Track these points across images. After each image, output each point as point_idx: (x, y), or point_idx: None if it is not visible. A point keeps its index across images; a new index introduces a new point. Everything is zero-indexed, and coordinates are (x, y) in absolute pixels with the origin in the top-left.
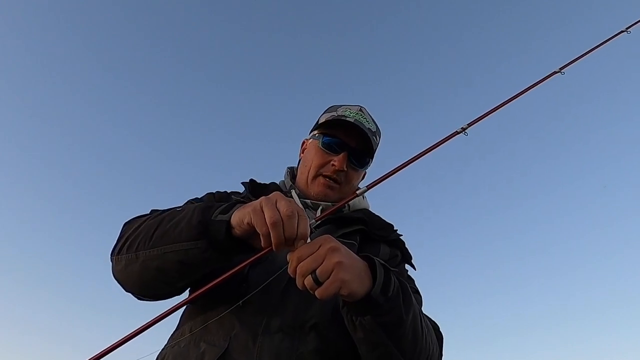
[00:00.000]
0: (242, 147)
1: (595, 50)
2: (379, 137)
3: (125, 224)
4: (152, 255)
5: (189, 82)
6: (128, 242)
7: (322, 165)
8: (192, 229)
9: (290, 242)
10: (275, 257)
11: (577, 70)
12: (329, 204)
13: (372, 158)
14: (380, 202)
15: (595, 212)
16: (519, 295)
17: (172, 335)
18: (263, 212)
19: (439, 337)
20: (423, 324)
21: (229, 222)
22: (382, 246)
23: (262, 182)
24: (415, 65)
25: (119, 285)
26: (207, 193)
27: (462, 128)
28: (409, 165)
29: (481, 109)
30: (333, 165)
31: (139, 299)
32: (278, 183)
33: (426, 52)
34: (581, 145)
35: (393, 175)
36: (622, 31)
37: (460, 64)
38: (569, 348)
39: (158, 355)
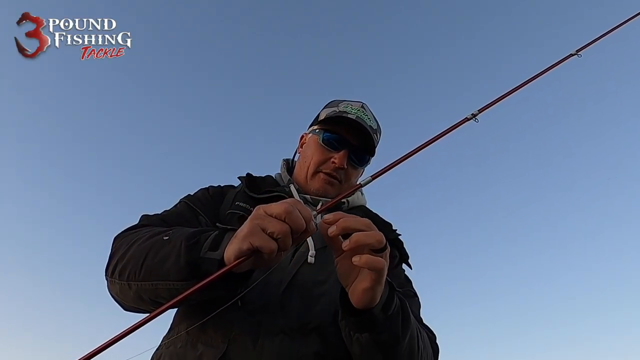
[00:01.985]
0: (237, 142)
1: (614, 31)
2: (380, 135)
3: (115, 239)
4: (144, 288)
5: (187, 78)
6: (119, 267)
7: (322, 162)
8: (181, 270)
9: (300, 233)
10: None
11: (595, 52)
12: (329, 199)
13: (372, 156)
14: (384, 192)
15: (606, 209)
16: (522, 295)
17: (166, 334)
18: (262, 229)
19: (435, 350)
20: (420, 342)
21: (221, 259)
22: None
23: (259, 176)
24: (425, 49)
25: (115, 303)
26: (201, 189)
27: (472, 114)
28: (416, 154)
29: (492, 94)
30: (333, 162)
31: None
32: (274, 176)
33: (436, 36)
34: (598, 135)
35: (400, 164)
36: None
37: (469, 50)
38: (572, 348)
39: (153, 355)
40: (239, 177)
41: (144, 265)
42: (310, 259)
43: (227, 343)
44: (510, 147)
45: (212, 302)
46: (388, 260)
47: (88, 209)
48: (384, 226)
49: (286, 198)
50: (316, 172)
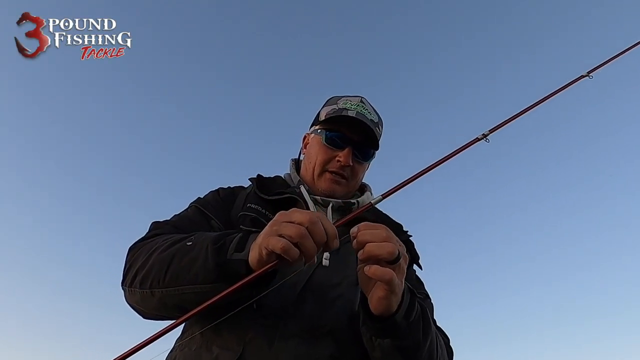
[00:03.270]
0: (238, 142)
1: (625, 53)
2: (382, 127)
3: (131, 249)
4: (169, 294)
5: (186, 78)
6: (140, 276)
7: (327, 161)
8: (210, 273)
9: (321, 247)
10: None
11: (606, 74)
12: (339, 200)
13: (377, 149)
14: (395, 207)
15: (613, 215)
16: (523, 296)
17: (180, 336)
18: (283, 235)
19: (450, 353)
20: (438, 347)
21: (247, 260)
22: None
23: (268, 177)
24: (436, 68)
25: (134, 312)
26: (211, 192)
27: (483, 134)
28: (427, 173)
29: (503, 115)
30: (338, 161)
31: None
32: (284, 176)
33: (448, 55)
34: (609, 153)
35: (411, 183)
36: None
37: (482, 68)
38: (573, 349)
39: (167, 357)
40: (249, 179)
41: (168, 271)
42: (325, 262)
43: (242, 346)
44: (521, 167)
45: (226, 304)
46: (404, 270)
47: (88, 209)
48: (395, 227)
49: (297, 199)
50: (322, 172)
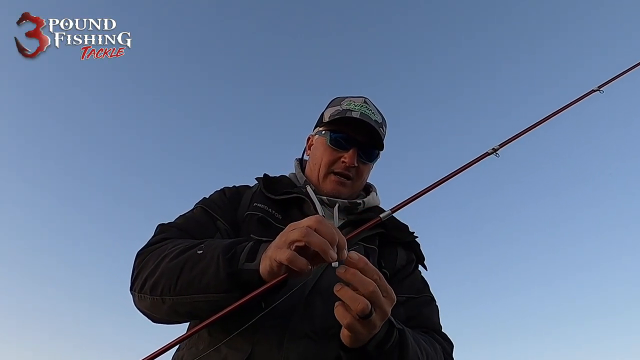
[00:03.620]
0: (237, 142)
1: (636, 68)
2: (386, 127)
3: (139, 255)
4: (180, 302)
5: (186, 78)
6: (150, 283)
7: (333, 163)
8: (222, 283)
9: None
10: None
11: (617, 89)
12: (345, 201)
13: (381, 149)
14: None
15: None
16: (525, 297)
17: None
18: (290, 241)
19: None
20: None
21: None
22: (399, 250)
23: (275, 176)
24: (446, 81)
25: (143, 316)
26: (217, 192)
27: (493, 149)
28: (436, 188)
29: (513, 129)
30: (343, 162)
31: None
32: (289, 176)
33: (458, 69)
34: (622, 169)
35: (419, 198)
36: None
37: (493, 83)
38: (576, 349)
39: (173, 357)
40: (256, 178)
41: (179, 280)
42: (334, 264)
43: (251, 346)
44: (530, 182)
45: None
46: (375, 325)
47: (88, 209)
48: (401, 229)
49: (304, 199)
50: (328, 173)
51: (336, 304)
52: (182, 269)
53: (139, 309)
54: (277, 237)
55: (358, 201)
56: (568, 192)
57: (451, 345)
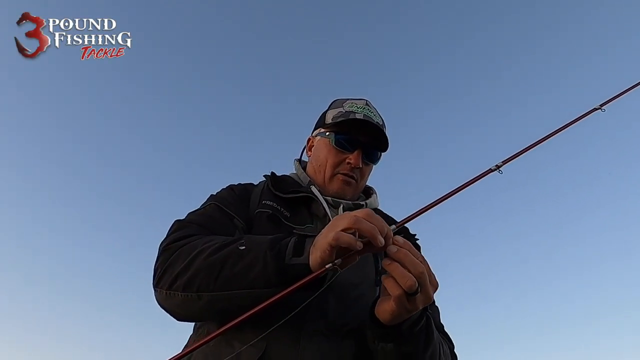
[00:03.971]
0: (237, 143)
1: (638, 87)
2: (386, 130)
3: (165, 250)
4: (219, 298)
5: (186, 78)
6: (182, 280)
7: (338, 164)
8: (270, 278)
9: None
10: None
11: (618, 107)
12: (349, 202)
13: (385, 150)
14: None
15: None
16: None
17: (194, 332)
18: (341, 228)
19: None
20: (442, 354)
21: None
22: None
23: (279, 175)
24: (449, 99)
25: (166, 313)
26: (225, 189)
27: (496, 165)
28: (440, 204)
29: (516, 146)
30: (349, 163)
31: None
32: (290, 175)
33: (460, 87)
34: (625, 187)
35: (423, 214)
36: None
37: (495, 99)
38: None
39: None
40: (264, 175)
41: (220, 276)
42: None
43: (266, 342)
44: (533, 198)
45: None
46: (416, 307)
47: (88, 209)
48: (403, 231)
49: (312, 198)
50: (333, 174)
51: (384, 277)
52: (223, 265)
53: (163, 306)
54: (325, 229)
55: (361, 202)
56: (569, 207)
57: (452, 345)
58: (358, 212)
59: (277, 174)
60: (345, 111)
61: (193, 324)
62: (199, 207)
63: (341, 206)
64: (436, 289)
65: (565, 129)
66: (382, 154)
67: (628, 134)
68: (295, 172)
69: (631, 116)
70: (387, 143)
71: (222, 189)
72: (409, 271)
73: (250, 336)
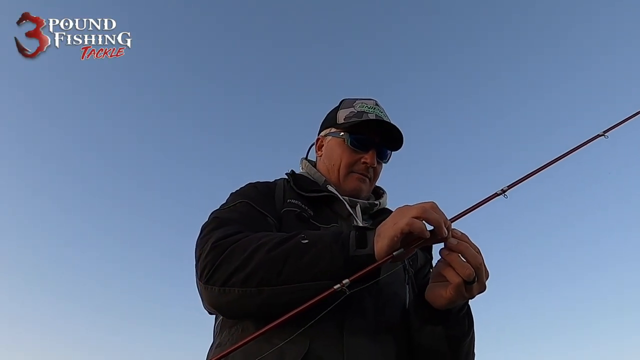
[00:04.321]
0: (237, 143)
1: None
2: None
3: (216, 246)
4: (282, 291)
5: (186, 79)
6: (241, 276)
7: (353, 163)
8: (339, 269)
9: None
10: None
11: (622, 134)
12: (365, 202)
13: (398, 149)
14: None
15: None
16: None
17: (228, 330)
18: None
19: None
20: (474, 345)
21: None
22: (417, 251)
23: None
24: (454, 122)
25: (214, 311)
26: (249, 187)
27: (502, 190)
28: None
29: (521, 171)
30: (364, 162)
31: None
32: (304, 174)
33: (466, 109)
34: (627, 215)
35: None
36: None
37: (499, 125)
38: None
39: (215, 351)
40: (286, 174)
41: (284, 270)
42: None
43: (309, 339)
44: (537, 223)
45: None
46: (472, 295)
47: (88, 210)
48: None
49: (334, 197)
50: (348, 173)
51: (442, 266)
52: (286, 259)
53: (214, 303)
54: (390, 218)
55: (375, 202)
56: (573, 233)
57: None
58: (424, 203)
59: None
60: (357, 111)
61: (214, 323)
62: (225, 204)
63: (358, 206)
64: (488, 277)
65: (570, 155)
66: (392, 152)
67: (631, 161)
68: (303, 171)
69: (635, 143)
70: (401, 142)
71: (245, 186)
72: (468, 262)
73: (290, 331)
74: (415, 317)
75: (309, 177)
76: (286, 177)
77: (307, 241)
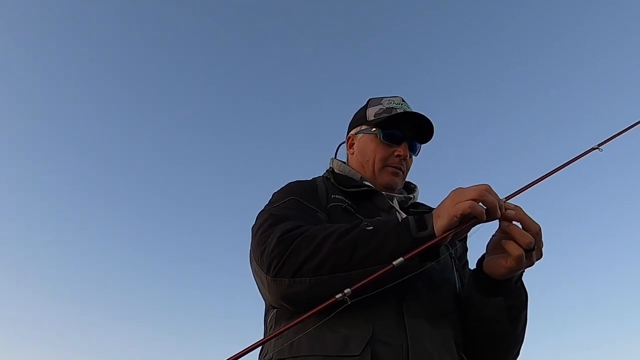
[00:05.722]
0: (237, 144)
1: (636, 127)
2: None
3: (282, 240)
4: (356, 275)
5: (186, 78)
6: (311, 265)
7: (387, 157)
8: (408, 250)
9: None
10: None
11: (616, 148)
12: (401, 195)
13: (429, 140)
14: None
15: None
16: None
17: (285, 322)
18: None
19: None
20: (527, 319)
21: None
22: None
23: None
24: (447, 137)
25: (285, 303)
26: (293, 186)
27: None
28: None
29: (515, 184)
30: (398, 155)
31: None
32: (338, 171)
33: (456, 122)
34: (619, 229)
35: None
36: None
37: (492, 137)
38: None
39: (276, 343)
40: (327, 170)
41: (355, 256)
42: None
43: (371, 324)
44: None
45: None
46: (531, 262)
47: (87, 210)
48: None
49: (374, 192)
50: (383, 167)
51: (501, 237)
52: (355, 245)
53: (284, 294)
54: (447, 199)
55: (410, 195)
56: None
57: None
58: (480, 186)
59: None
60: (386, 107)
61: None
62: (273, 202)
63: (395, 199)
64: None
65: (564, 169)
66: (422, 145)
67: (625, 174)
68: (337, 170)
69: (629, 156)
70: (432, 132)
71: (287, 185)
72: (527, 230)
73: (353, 320)
74: (476, 291)
75: (346, 174)
76: (324, 175)
77: (371, 228)
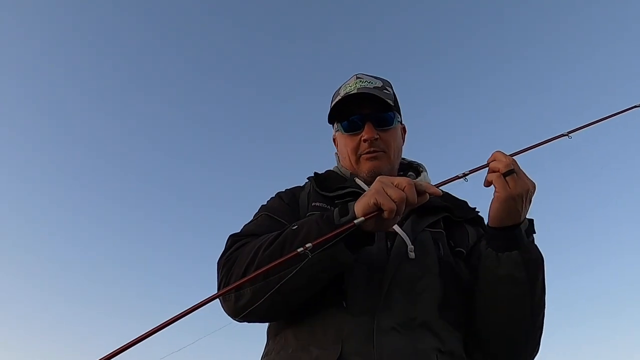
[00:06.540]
0: (236, 145)
1: (607, 119)
2: (391, 87)
3: (225, 263)
4: (287, 274)
5: (186, 79)
6: (250, 275)
7: (357, 147)
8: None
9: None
10: (372, 256)
11: (586, 137)
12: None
13: (392, 110)
14: None
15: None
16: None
17: (272, 341)
18: (385, 192)
19: None
20: (545, 287)
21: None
22: (467, 227)
23: (322, 173)
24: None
25: (240, 319)
26: (274, 198)
27: (463, 174)
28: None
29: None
30: (365, 140)
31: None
32: (334, 170)
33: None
34: (586, 217)
35: None
36: (636, 106)
37: (461, 117)
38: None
39: None
40: (308, 178)
41: (283, 256)
42: (411, 254)
43: (340, 344)
44: None
45: (315, 306)
46: (524, 183)
47: (87, 210)
48: (462, 206)
49: (358, 192)
50: (358, 158)
51: (485, 183)
52: (283, 246)
53: (233, 311)
54: (374, 185)
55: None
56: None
57: None
58: (401, 179)
59: (319, 172)
60: (342, 96)
61: (267, 333)
62: (252, 219)
63: None
64: (534, 186)
65: (531, 150)
66: (398, 113)
67: (591, 162)
68: (336, 167)
69: (596, 146)
70: (384, 102)
71: (271, 198)
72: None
73: (324, 340)
74: (491, 249)
75: (339, 172)
76: (309, 181)
77: (296, 227)
